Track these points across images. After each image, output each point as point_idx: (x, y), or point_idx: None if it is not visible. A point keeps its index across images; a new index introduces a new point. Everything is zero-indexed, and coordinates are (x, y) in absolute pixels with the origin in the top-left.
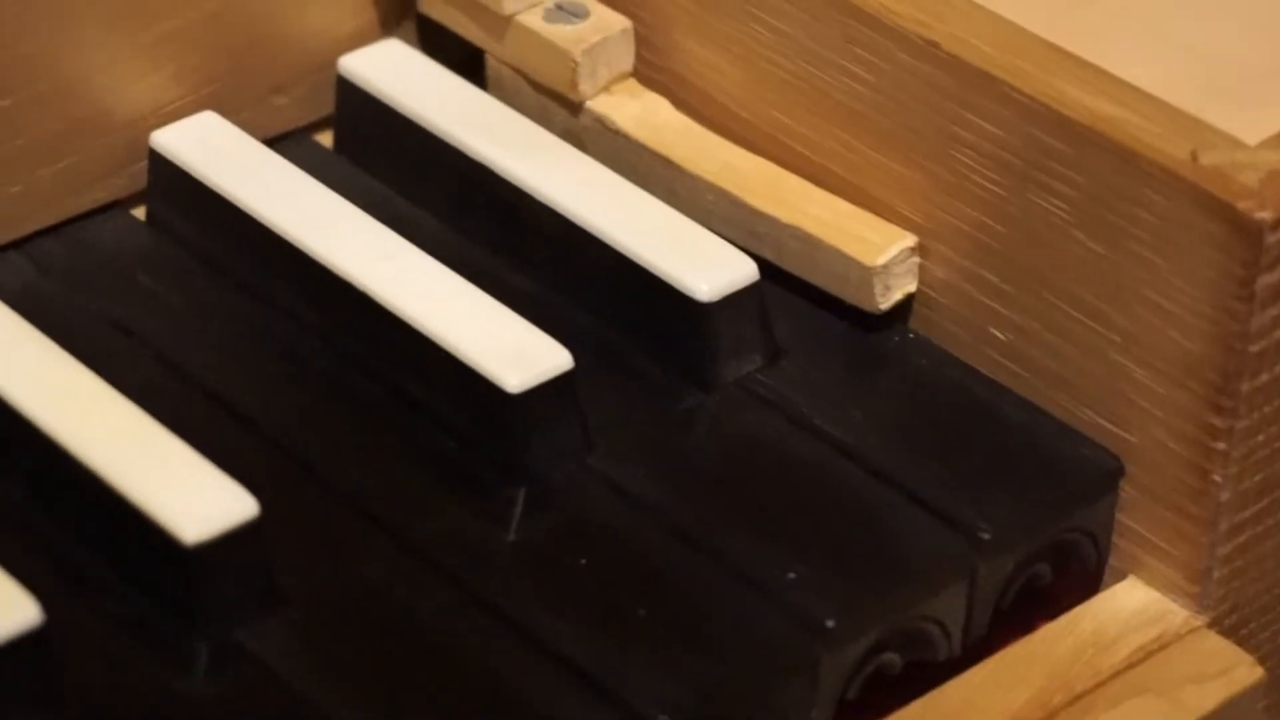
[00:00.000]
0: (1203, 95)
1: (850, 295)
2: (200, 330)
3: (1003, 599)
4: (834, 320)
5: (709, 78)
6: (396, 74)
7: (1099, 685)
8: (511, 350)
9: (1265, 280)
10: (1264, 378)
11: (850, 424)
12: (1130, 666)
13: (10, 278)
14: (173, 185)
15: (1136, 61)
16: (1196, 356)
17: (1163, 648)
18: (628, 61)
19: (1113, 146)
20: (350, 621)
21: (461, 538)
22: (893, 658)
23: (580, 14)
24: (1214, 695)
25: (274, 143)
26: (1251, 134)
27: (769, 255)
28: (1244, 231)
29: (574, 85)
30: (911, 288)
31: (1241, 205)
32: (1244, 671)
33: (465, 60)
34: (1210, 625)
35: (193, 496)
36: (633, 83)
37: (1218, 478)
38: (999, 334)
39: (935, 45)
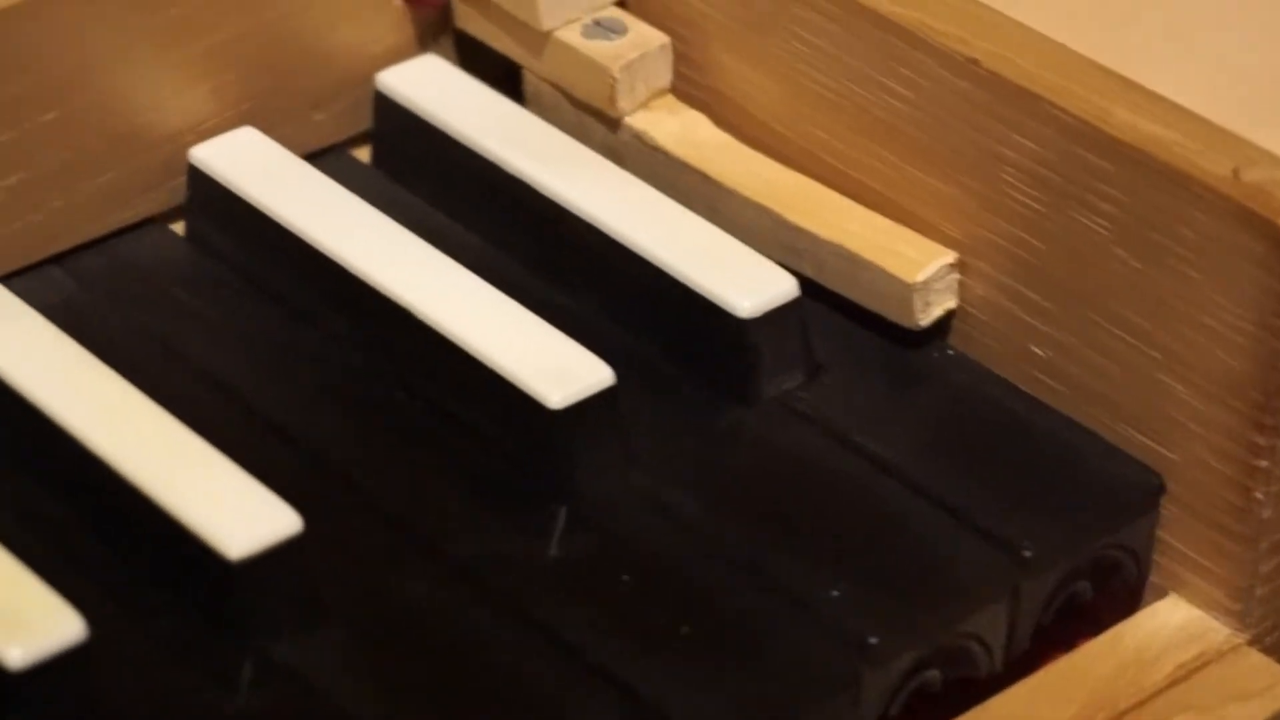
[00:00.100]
0: (1244, 112)
1: (890, 312)
2: (240, 346)
3: (1044, 615)
4: (874, 337)
5: (748, 94)
6: (434, 89)
7: (1141, 703)
8: (553, 366)
9: None
10: None
11: (890, 441)
12: (1173, 684)
13: (51, 292)
14: (212, 200)
15: (1176, 79)
16: (1239, 374)
17: (1204, 665)
18: (666, 77)
19: (1154, 164)
20: (392, 638)
21: (503, 554)
22: (934, 675)
23: (619, 30)
24: (1257, 713)
25: (312, 158)
26: None
27: (809, 272)
28: None
29: (613, 101)
30: (951, 304)
31: None
32: None
33: (503, 76)
34: (1252, 643)
35: (237, 512)
36: (671, 99)
37: (1260, 495)
38: (1039, 351)
39: (976, 63)
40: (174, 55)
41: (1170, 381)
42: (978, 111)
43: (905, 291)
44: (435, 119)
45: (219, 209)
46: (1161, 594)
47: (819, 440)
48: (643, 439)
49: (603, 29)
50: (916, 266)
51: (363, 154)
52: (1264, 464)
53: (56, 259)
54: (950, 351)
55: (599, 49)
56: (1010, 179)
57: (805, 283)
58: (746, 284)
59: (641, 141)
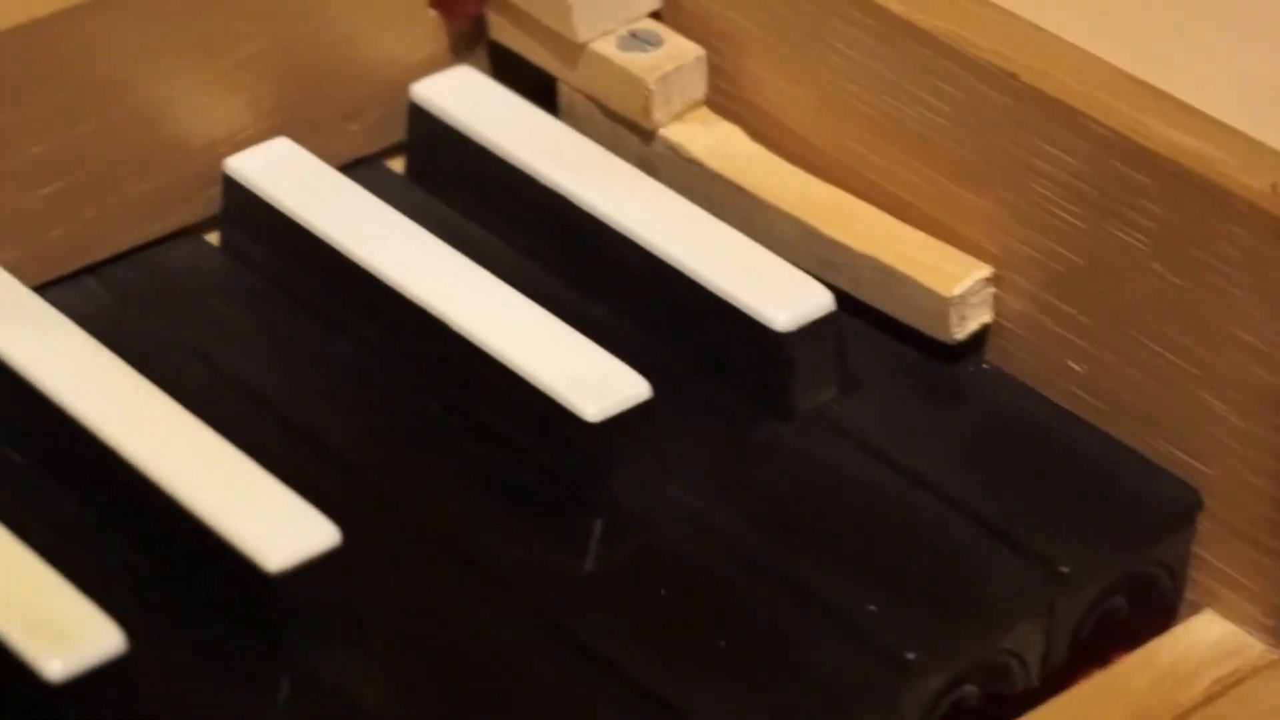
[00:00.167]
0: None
1: (926, 326)
2: (275, 357)
3: (1080, 631)
4: (909, 351)
5: (783, 106)
6: (469, 101)
7: (1177, 719)
8: (590, 379)
9: None
10: None
11: (926, 455)
12: (1209, 700)
13: (86, 302)
14: (247, 211)
15: (1213, 93)
16: (1277, 389)
17: (1240, 681)
18: (701, 90)
19: (1192, 178)
20: (430, 651)
21: (540, 567)
22: (971, 690)
23: (654, 42)
24: None
25: (346, 169)
26: None
27: (844, 285)
28: None
29: (648, 113)
30: (987, 318)
31: None
32: None
33: (536, 87)
34: None
35: (275, 524)
36: (706, 111)
37: None
38: (1075, 366)
39: (1014, 76)
40: (209, 66)
41: (1207, 397)
42: (1015, 125)
43: (941, 305)
44: (469, 130)
45: (254, 220)
46: (1196, 610)
47: (855, 454)
48: (678, 452)
49: (638, 41)
50: (953, 280)
51: (396, 165)
52: None
53: (91, 269)
54: (986, 366)
55: (634, 61)
56: (1047, 193)
57: (840, 296)
58: (783, 297)
59: (676, 154)
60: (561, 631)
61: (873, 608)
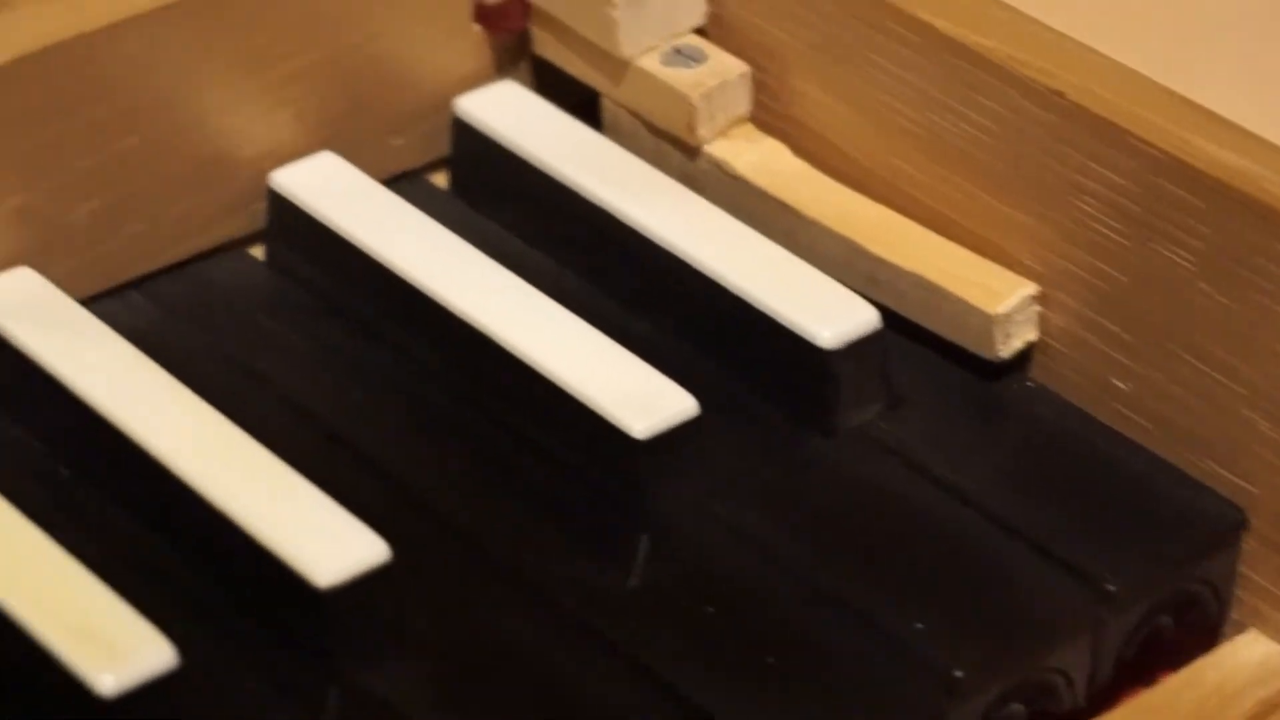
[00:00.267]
0: None
1: (970, 343)
2: (321, 372)
3: (1126, 649)
4: (953, 368)
5: (827, 123)
6: (512, 116)
7: None
8: (637, 396)
9: None
10: None
11: (971, 473)
12: None
13: (132, 317)
14: (292, 225)
15: (1257, 111)
16: None
17: None
18: (745, 106)
19: (1238, 197)
20: (478, 666)
21: (586, 583)
22: (1018, 708)
23: (698, 58)
24: None
25: (390, 183)
26: None
27: (888, 302)
28: None
29: (692, 129)
30: (1032, 336)
31: None
32: None
33: (580, 102)
34: None
35: (325, 540)
36: (749, 127)
37: None
38: (1120, 384)
39: (1060, 94)
40: (255, 81)
41: (1253, 415)
42: (1060, 143)
43: (986, 323)
44: (513, 145)
45: (299, 234)
46: (1241, 629)
47: (900, 472)
48: (723, 468)
49: (682, 57)
50: (998, 298)
51: (440, 179)
52: None
53: (136, 283)
54: (1030, 384)
55: (678, 77)
56: (1092, 211)
57: (884, 313)
58: (828, 315)
59: (720, 170)
60: (608, 646)
61: (920, 625)
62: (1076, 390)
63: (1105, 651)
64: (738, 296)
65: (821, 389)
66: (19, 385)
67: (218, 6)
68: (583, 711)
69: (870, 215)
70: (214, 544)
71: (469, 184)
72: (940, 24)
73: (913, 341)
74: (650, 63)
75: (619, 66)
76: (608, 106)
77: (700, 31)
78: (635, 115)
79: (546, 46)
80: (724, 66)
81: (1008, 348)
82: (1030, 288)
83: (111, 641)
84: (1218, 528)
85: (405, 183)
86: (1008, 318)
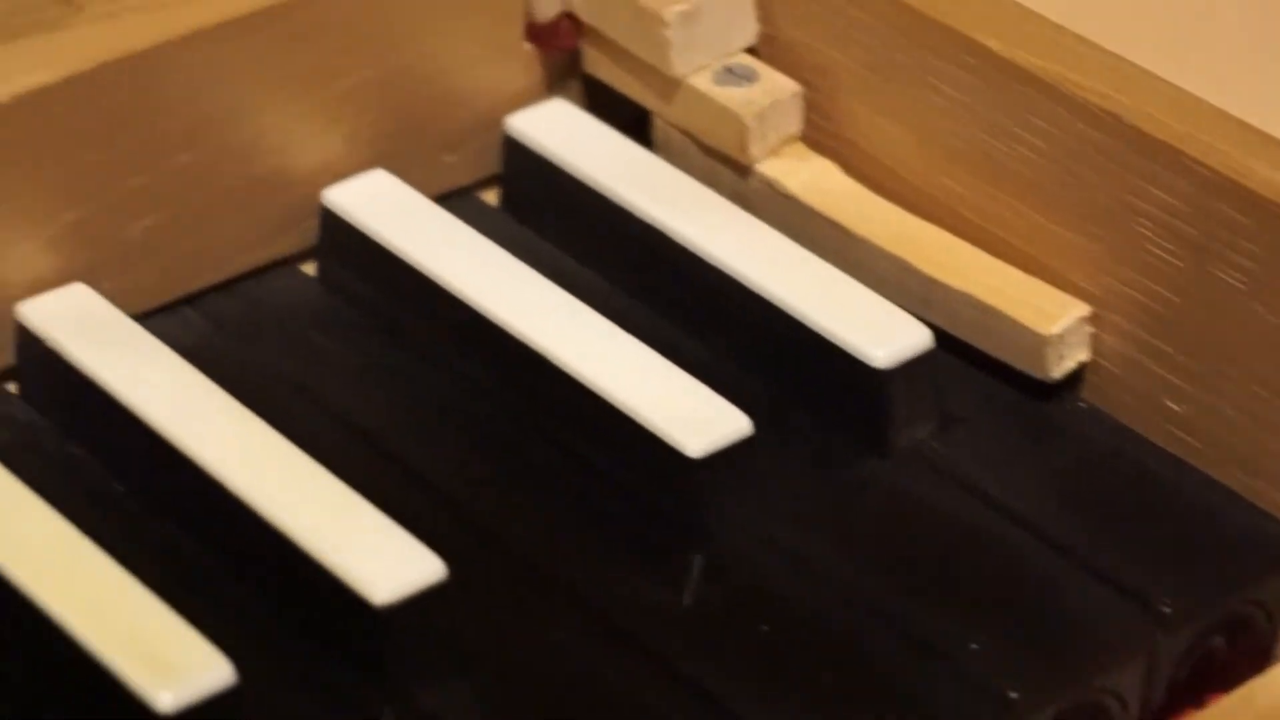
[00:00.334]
0: None
1: (1023, 364)
2: (373, 388)
3: (1179, 671)
4: (1005, 388)
5: (879, 143)
6: (564, 134)
7: None
8: (691, 415)
9: None
10: None
11: (1025, 494)
12: None
13: (186, 334)
14: (345, 243)
15: None
16: None
17: None
18: (796, 125)
19: None
20: (533, 685)
21: (640, 602)
22: None
23: (750, 77)
24: None
25: (440, 201)
26: None
27: (940, 322)
28: None
29: (744, 148)
30: (1085, 357)
31: None
32: None
33: (630, 121)
34: None
35: (382, 558)
36: (800, 146)
37: None
38: (1173, 405)
39: (1115, 116)
40: (308, 99)
41: None
42: (1115, 164)
43: (1039, 344)
44: (564, 163)
45: (351, 251)
46: None
47: (953, 492)
48: (776, 488)
49: (734, 75)
50: (1051, 319)
51: (490, 197)
52: None
53: (190, 300)
54: (1082, 405)
55: (730, 96)
56: (1146, 232)
57: (935, 332)
58: (882, 334)
59: (772, 189)
60: (663, 666)
61: (975, 646)
62: (1129, 411)
63: (1159, 673)
64: (790, 316)
65: (874, 409)
66: (74, 402)
67: (271, 25)
68: None
69: (922, 235)
70: (270, 561)
71: (520, 202)
72: (994, 45)
73: (963, 361)
74: (702, 81)
75: (671, 85)
76: (659, 125)
77: (752, 51)
78: (686, 134)
79: (598, 65)
80: (776, 85)
81: (1060, 368)
82: (1083, 309)
83: (170, 659)
84: (1271, 549)
85: (456, 200)
86: (1060, 338)
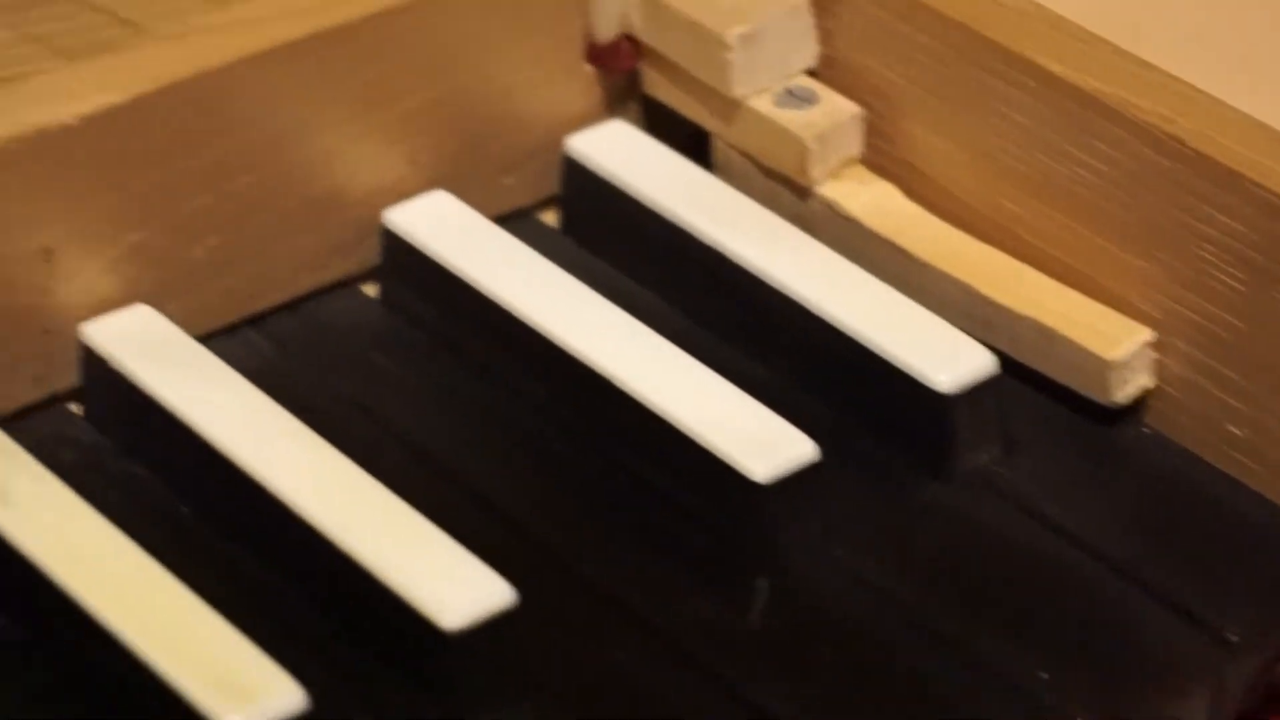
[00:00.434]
0: None
1: (1086, 388)
2: (437, 411)
3: (1245, 699)
4: (1067, 413)
5: (939, 165)
6: (623, 155)
7: None
8: (757, 439)
9: None
10: None
11: (1088, 519)
12: None
13: (248, 355)
14: (406, 264)
15: None
16: None
17: None
18: (857, 147)
19: None
20: (601, 709)
21: (707, 626)
22: None
23: (811, 99)
24: None
25: (500, 222)
26: None
27: (1002, 346)
28: None
29: (804, 170)
30: (1148, 382)
31: None
32: None
33: (689, 142)
34: None
35: (451, 582)
36: (861, 169)
37: None
38: (1237, 431)
39: (1178, 140)
40: (369, 120)
41: None
42: (1179, 188)
43: (1103, 368)
44: (624, 184)
45: (413, 272)
46: None
47: (1016, 517)
48: (840, 512)
49: (794, 98)
50: (1115, 343)
51: (549, 218)
52: None
53: (252, 320)
54: (1145, 429)
55: (791, 118)
56: (1210, 257)
57: (997, 356)
58: (946, 359)
59: (833, 211)
60: (730, 690)
61: (1044, 674)
62: (1192, 436)
63: (1225, 701)
64: (853, 339)
65: (938, 433)
66: (137, 422)
67: (333, 47)
68: None
69: (984, 258)
70: (338, 585)
71: (579, 223)
72: (1056, 68)
73: (1026, 385)
74: (763, 104)
75: (731, 107)
76: (719, 147)
77: (812, 73)
78: (746, 156)
79: (657, 86)
80: (836, 108)
81: (1124, 393)
82: (1146, 333)
83: (241, 683)
84: None
85: (515, 221)
86: (1124, 363)
